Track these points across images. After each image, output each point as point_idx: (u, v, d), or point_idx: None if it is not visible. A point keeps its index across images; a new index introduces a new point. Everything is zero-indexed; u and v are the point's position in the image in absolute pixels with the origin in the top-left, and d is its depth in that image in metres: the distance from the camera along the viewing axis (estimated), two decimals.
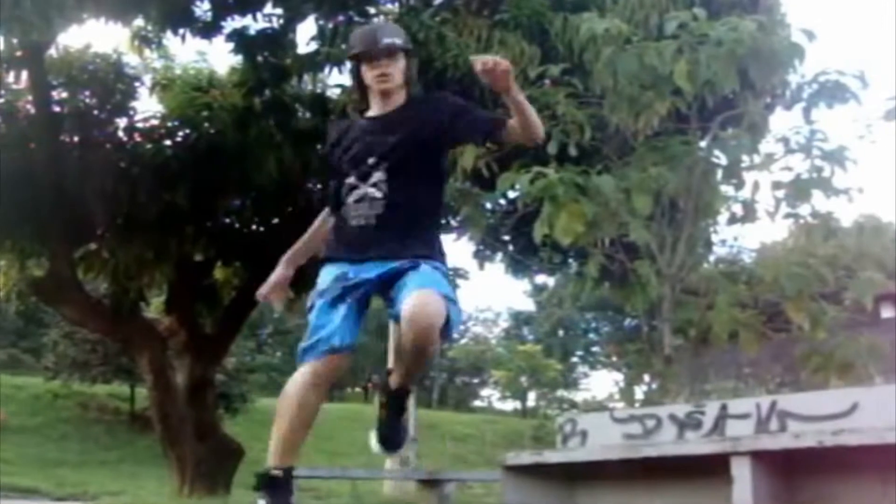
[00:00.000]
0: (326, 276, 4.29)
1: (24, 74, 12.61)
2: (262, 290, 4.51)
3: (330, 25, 10.69)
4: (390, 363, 4.19)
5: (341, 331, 4.16)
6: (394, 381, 4.43)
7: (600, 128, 8.84)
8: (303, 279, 4.66)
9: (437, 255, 4.35)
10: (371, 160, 4.29)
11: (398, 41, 4.34)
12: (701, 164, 8.60)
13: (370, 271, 4.22)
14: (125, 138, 13.40)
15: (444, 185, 4.64)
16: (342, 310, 4.19)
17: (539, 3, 10.37)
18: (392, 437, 4.56)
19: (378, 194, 4.24)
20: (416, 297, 3.99)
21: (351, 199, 4.30)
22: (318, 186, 13.24)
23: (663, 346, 8.71)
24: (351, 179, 4.31)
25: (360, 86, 4.49)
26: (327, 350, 4.11)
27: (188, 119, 13.04)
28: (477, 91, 9.65)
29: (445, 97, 4.62)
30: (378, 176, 4.27)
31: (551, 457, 8.25)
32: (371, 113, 4.47)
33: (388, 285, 4.22)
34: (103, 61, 13.22)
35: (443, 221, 12.46)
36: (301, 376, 4.12)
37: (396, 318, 4.10)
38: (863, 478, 5.76)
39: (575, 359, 56.14)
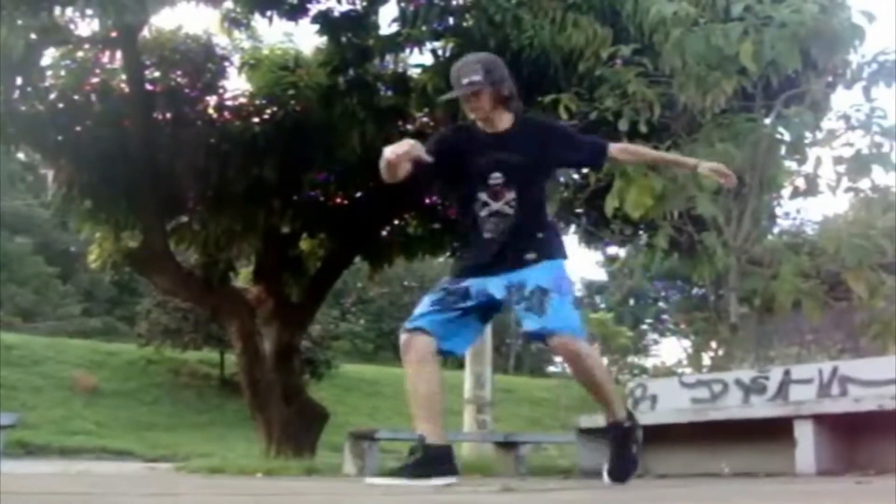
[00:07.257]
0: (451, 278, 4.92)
1: (119, 54, 12.74)
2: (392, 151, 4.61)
3: (411, 8, 10.89)
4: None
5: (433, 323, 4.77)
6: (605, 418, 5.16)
7: (669, 106, 9.00)
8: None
9: (553, 252, 4.88)
10: (498, 177, 4.76)
11: (475, 78, 4.73)
12: (765, 141, 8.71)
13: (494, 286, 4.79)
14: (215, 116, 13.55)
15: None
16: (449, 315, 4.80)
17: None
18: (614, 469, 5.12)
19: (510, 211, 4.73)
20: (568, 345, 4.80)
21: (484, 213, 4.79)
22: None
23: (729, 314, 8.86)
24: (483, 196, 4.79)
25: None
26: (412, 329, 4.79)
27: (275, 97, 13.14)
28: (551, 70, 9.99)
29: (553, 126, 5.19)
30: (509, 196, 4.74)
31: None
32: (485, 128, 4.91)
33: (512, 292, 4.76)
34: (194, 42, 13.40)
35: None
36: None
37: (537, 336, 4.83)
38: None
39: (645, 326, 55.59)
